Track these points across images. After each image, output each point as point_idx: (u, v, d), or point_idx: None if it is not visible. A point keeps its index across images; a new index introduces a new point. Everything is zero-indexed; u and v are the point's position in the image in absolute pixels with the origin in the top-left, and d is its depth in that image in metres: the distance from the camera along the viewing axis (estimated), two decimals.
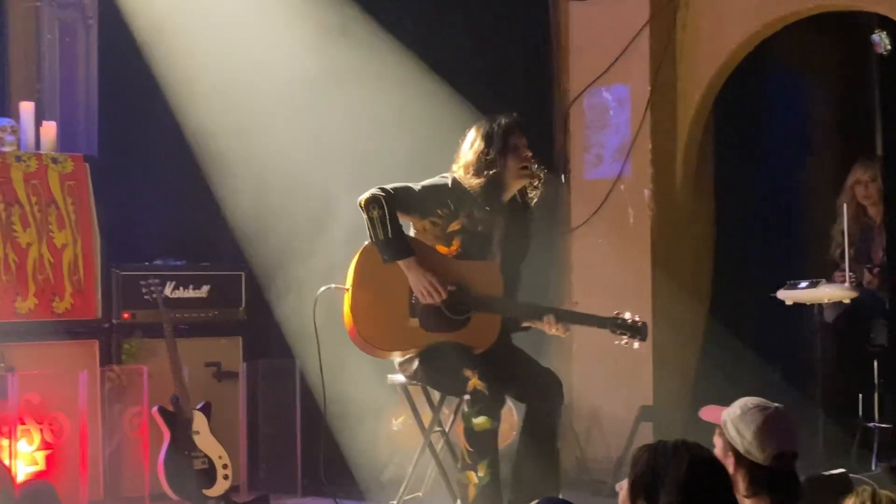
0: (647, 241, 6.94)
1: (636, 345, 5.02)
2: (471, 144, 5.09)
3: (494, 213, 5.04)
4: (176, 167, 6.99)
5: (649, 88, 6.93)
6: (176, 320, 6.44)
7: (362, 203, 4.88)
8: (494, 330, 4.98)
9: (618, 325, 5.00)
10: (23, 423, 6.00)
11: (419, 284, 4.89)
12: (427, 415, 5.18)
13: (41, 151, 6.36)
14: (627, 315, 5.00)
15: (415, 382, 5.09)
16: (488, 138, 5.05)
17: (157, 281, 6.47)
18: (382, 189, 4.88)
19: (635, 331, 4.99)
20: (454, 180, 5.04)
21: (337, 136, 6.86)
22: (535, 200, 5.20)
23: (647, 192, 6.91)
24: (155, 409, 6.21)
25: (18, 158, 6.23)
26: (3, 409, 5.89)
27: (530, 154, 5.09)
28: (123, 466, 6.36)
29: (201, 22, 6.82)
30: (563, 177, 7.21)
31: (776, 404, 3.51)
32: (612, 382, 6.85)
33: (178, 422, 6.18)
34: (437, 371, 4.94)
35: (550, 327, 4.99)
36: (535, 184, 5.15)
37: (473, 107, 6.39)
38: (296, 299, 6.44)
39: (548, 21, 7.33)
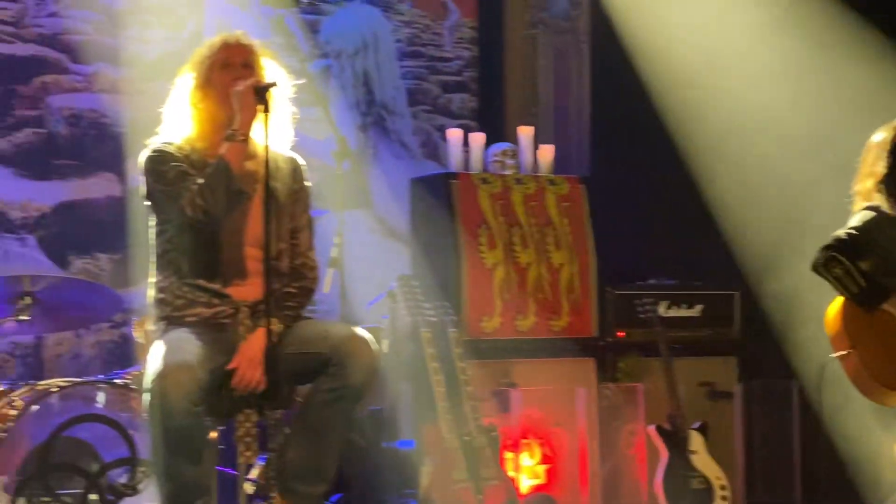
0: None
1: None
2: (888, 154, 4.84)
3: None
4: (668, 185, 7.07)
5: None
6: (670, 339, 6.41)
7: (819, 268, 4.76)
8: None
9: None
10: (525, 438, 6.13)
11: None
12: None
13: (539, 174, 6.53)
14: None
15: None
16: None
17: (651, 300, 6.48)
18: (830, 247, 4.75)
19: None
20: (876, 209, 4.83)
21: (828, 138, 6.70)
22: None
23: None
24: (652, 427, 6.23)
25: (518, 181, 6.42)
26: (506, 422, 6.04)
27: None
28: (621, 483, 6.39)
29: (695, 40, 6.88)
30: None
31: None
32: None
33: (674, 441, 6.17)
34: None
35: None
36: None
37: None
38: (791, 314, 6.36)
39: None
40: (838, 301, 4.81)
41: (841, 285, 4.74)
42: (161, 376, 4.00)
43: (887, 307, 4.73)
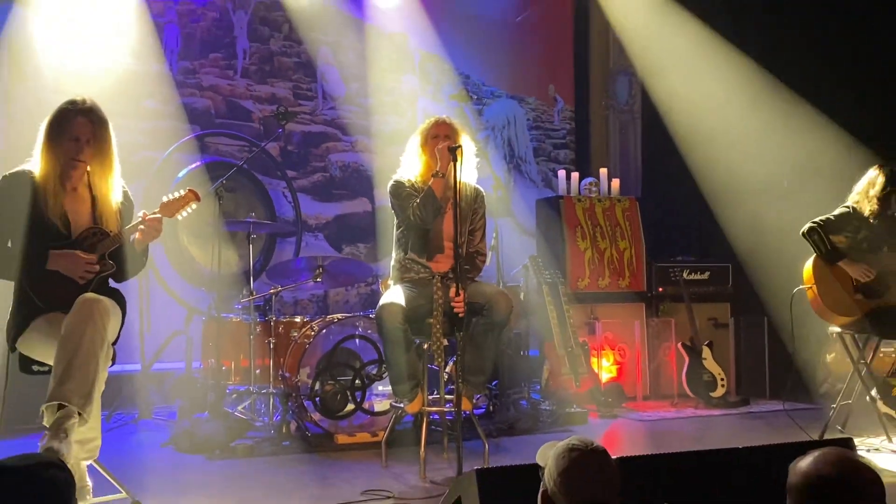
0: None
1: None
2: (871, 184, 4.59)
3: (882, 223, 4.65)
4: (690, 202, 7.00)
5: None
6: (690, 293, 6.35)
7: (804, 233, 4.60)
8: None
9: None
10: (603, 349, 6.22)
11: (855, 271, 4.60)
12: (854, 351, 4.81)
13: (612, 196, 6.61)
14: None
15: (850, 332, 4.69)
16: (890, 181, 4.58)
17: (678, 269, 6.53)
18: (814, 222, 4.62)
19: None
20: (853, 207, 4.64)
21: (783, 175, 6.55)
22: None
23: None
24: (679, 344, 6.22)
25: (599, 200, 6.54)
26: (594, 341, 6.09)
27: None
28: (661, 377, 6.40)
29: (701, 115, 6.76)
30: None
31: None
32: None
33: (693, 352, 6.17)
34: (885, 324, 4.59)
35: None
36: None
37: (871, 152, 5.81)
38: (768, 275, 6.17)
39: None
40: (813, 257, 4.69)
41: (815, 246, 4.61)
42: (382, 307, 4.08)
43: (842, 265, 4.61)
